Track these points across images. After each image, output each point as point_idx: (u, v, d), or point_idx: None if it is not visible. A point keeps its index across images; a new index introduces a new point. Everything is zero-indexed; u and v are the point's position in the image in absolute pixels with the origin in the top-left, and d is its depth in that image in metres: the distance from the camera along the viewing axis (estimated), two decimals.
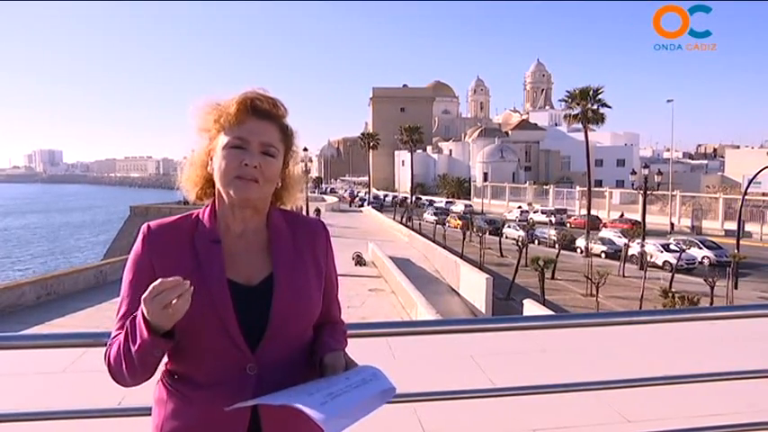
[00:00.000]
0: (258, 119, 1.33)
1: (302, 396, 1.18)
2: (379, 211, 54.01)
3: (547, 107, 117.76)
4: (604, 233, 36.73)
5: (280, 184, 1.40)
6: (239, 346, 1.27)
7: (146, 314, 1.16)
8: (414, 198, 67.06)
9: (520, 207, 54.92)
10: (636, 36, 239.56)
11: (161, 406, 1.34)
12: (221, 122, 1.33)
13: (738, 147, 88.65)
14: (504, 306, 20.54)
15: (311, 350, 1.39)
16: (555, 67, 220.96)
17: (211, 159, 1.35)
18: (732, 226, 35.47)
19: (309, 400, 1.16)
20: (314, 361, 1.37)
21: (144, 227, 1.36)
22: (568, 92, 43.73)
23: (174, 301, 1.13)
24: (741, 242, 28.70)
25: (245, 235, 1.37)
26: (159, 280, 1.14)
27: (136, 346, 1.20)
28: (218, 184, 1.34)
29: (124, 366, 1.24)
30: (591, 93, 42.46)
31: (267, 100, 1.35)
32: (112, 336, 1.31)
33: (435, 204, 61.79)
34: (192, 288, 1.16)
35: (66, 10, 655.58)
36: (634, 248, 30.19)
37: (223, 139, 1.32)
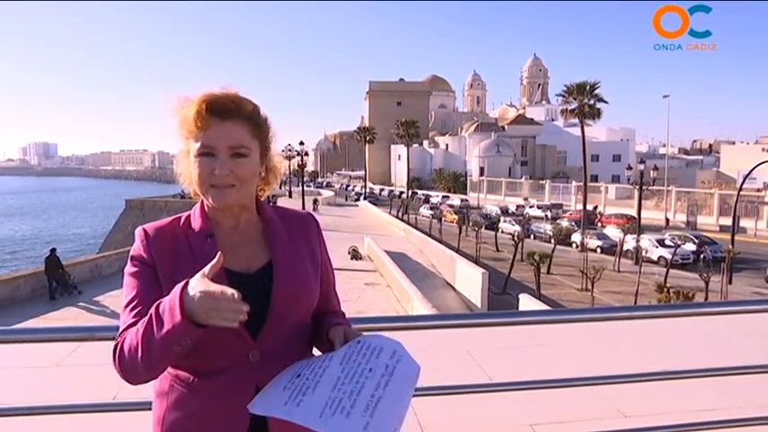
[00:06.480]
0: (221, 120, 1.26)
1: (313, 409, 1.09)
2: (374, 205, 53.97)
3: (543, 102, 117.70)
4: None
5: (263, 174, 1.39)
6: (240, 334, 1.26)
7: (185, 299, 1.11)
8: (410, 192, 66.99)
9: (535, 205, 54.72)
10: (632, 32, 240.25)
11: (162, 398, 1.32)
12: (186, 128, 1.29)
13: (733, 142, 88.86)
14: (500, 301, 20.56)
15: (314, 334, 1.42)
16: (552, 63, 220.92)
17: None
18: (727, 221, 35.62)
19: (328, 420, 1.07)
20: (321, 337, 1.38)
21: (139, 230, 1.34)
22: (565, 86, 43.87)
23: (225, 314, 1.09)
24: (736, 237, 28.87)
25: (239, 228, 1.37)
26: (236, 295, 1.09)
27: (164, 332, 1.13)
28: (197, 191, 1.32)
29: (140, 356, 1.16)
30: (588, 88, 42.61)
31: (227, 98, 1.28)
32: (122, 329, 1.25)
33: (431, 199, 61.66)
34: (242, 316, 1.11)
35: (62, 4, 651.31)
36: (629, 243, 30.28)
37: (192, 146, 1.28)
